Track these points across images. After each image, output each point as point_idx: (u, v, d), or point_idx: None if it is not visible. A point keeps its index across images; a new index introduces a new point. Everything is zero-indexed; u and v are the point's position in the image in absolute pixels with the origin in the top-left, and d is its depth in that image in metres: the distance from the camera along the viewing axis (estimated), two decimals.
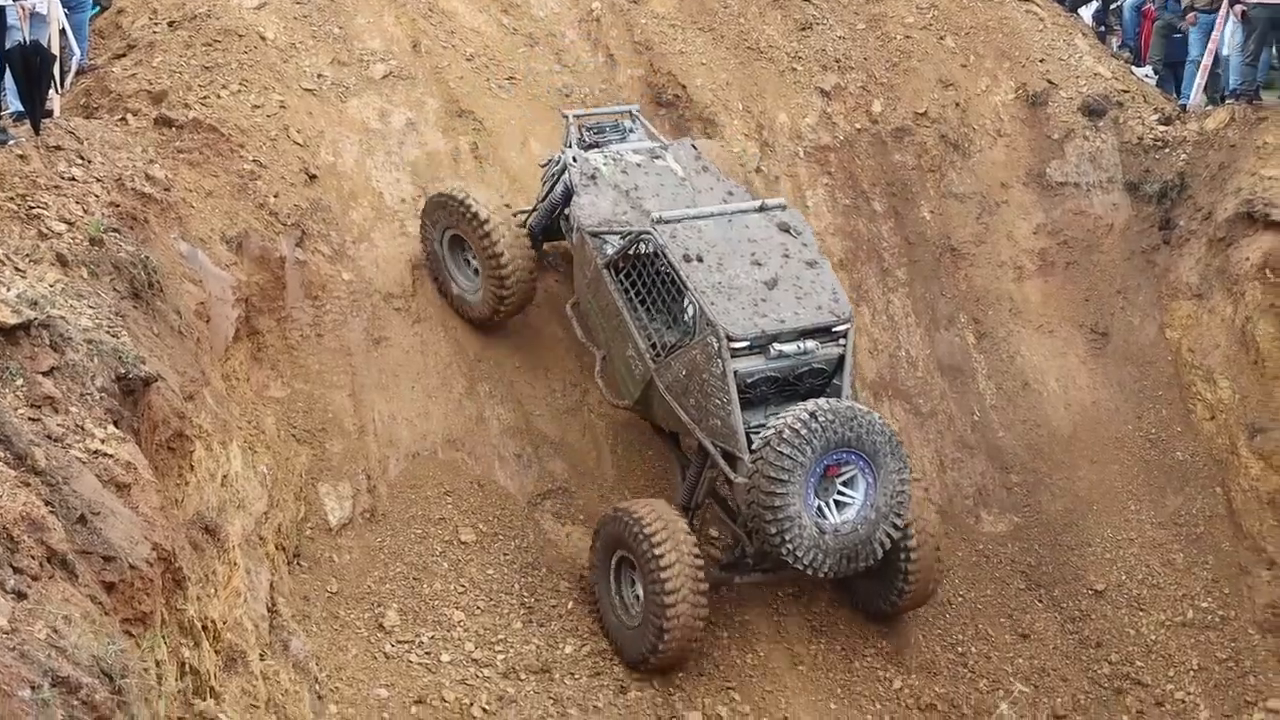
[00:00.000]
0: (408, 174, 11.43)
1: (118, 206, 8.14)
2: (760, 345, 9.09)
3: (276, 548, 9.07)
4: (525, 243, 10.57)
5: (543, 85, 12.39)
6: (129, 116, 10.48)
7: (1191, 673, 10.76)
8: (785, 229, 9.72)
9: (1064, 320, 12.28)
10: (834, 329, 9.31)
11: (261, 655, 7.41)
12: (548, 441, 10.89)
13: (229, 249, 9.93)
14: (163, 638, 5.01)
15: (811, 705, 10.06)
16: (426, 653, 9.64)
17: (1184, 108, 13.14)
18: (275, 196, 10.50)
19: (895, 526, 9.01)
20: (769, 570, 9.71)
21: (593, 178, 10.32)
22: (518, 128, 12.13)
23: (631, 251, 9.67)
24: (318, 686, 8.59)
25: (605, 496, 10.72)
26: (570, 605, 10.14)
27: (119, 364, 6.15)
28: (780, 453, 8.54)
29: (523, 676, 9.68)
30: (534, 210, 10.85)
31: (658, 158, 10.53)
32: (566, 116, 11.04)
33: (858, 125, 13.00)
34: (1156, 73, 14.08)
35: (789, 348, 9.12)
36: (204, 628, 6.10)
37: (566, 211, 10.45)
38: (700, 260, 9.26)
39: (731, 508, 9.80)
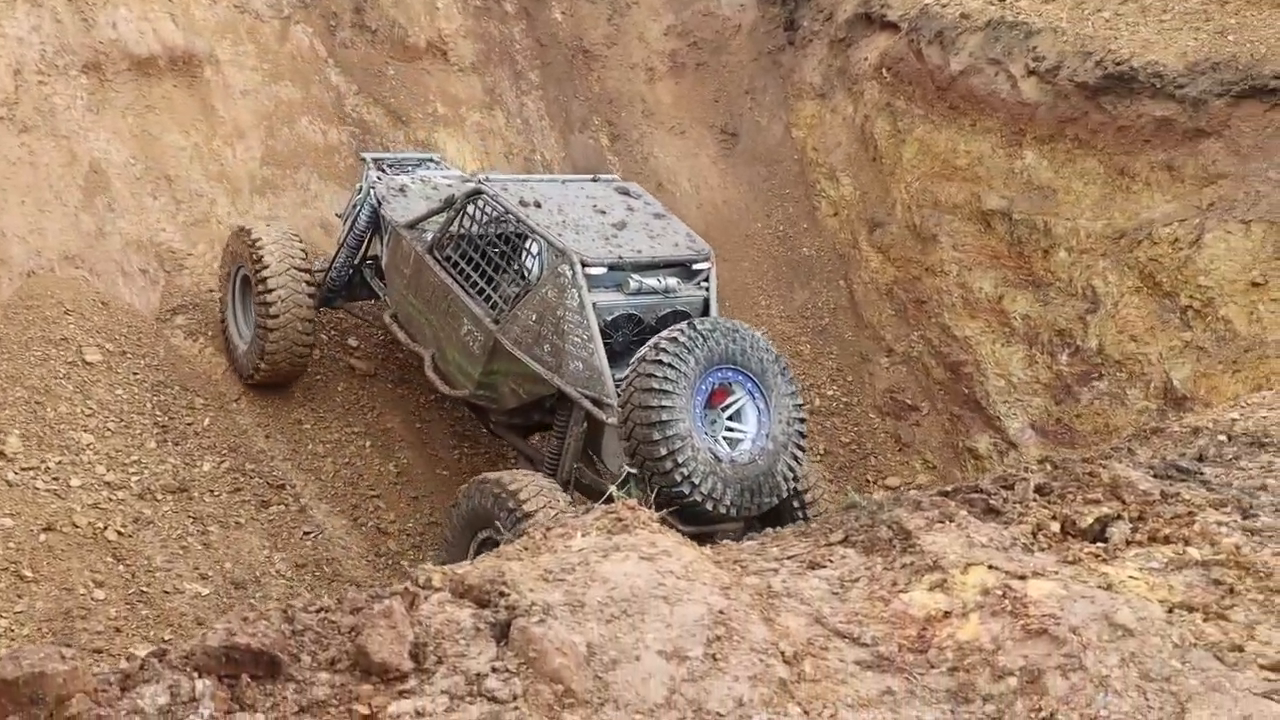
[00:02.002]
0: None
1: None
2: (617, 278, 9.73)
3: None
4: (307, 300, 11.50)
5: None
6: None
7: (819, 456, 13.57)
8: (624, 192, 10.80)
9: (695, 121, 14.71)
10: (694, 265, 10.14)
11: None
12: (174, 256, 12.46)
13: None
14: None
15: None
16: (54, 478, 10.75)
17: None
18: None
19: (796, 458, 9.26)
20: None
21: (401, 190, 11.57)
22: None
23: (455, 228, 10.61)
24: None
25: None
26: (206, 422, 11.70)
27: None
28: (659, 362, 8.78)
29: (159, 497, 11.01)
30: (331, 263, 11.94)
31: (469, 182, 11.25)
32: (365, 159, 12.25)
33: None
34: None
35: (650, 281, 9.77)
36: None
37: (370, 256, 11.65)
38: (539, 206, 10.07)
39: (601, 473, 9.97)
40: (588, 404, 9.46)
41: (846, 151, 14.59)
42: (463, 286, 10.50)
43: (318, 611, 3.52)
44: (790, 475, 9.24)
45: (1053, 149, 12.41)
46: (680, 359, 8.84)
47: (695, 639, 3.46)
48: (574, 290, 9.50)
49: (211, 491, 11.42)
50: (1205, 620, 3.75)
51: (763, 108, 15.05)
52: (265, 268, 11.41)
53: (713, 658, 3.41)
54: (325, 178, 13.70)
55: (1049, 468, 4.79)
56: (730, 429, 9.27)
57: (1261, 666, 3.53)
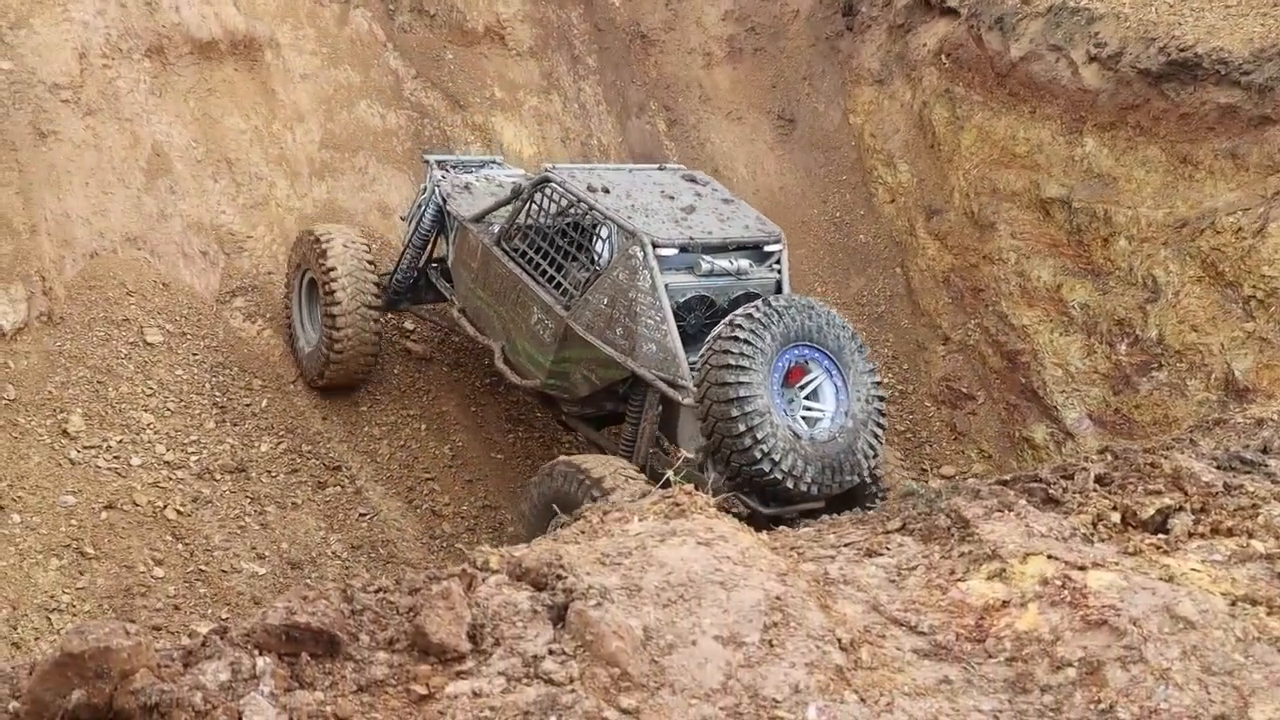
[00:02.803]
0: None
1: None
2: (688, 260, 9.66)
3: None
4: (373, 305, 11.59)
5: None
6: None
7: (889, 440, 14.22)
8: (691, 179, 10.79)
9: (752, 107, 14.71)
10: (765, 247, 10.02)
11: None
12: (233, 238, 12.59)
13: None
14: None
15: (510, 492, 12.11)
16: (115, 457, 10.90)
17: None
18: None
19: (876, 436, 9.10)
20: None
21: (466, 188, 11.62)
22: None
23: (523, 218, 10.57)
24: None
25: None
26: (264, 403, 11.85)
27: None
28: (734, 338, 8.67)
29: (218, 477, 11.16)
30: (396, 266, 12.02)
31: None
32: (428, 160, 12.26)
33: None
34: None
35: (721, 263, 9.68)
36: None
37: (435, 259, 11.76)
38: (607, 192, 10.05)
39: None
40: (663, 386, 9.31)
41: (904, 138, 14.55)
42: (532, 276, 10.42)
43: (376, 592, 3.54)
44: (871, 453, 9.08)
45: (1114, 136, 12.28)
46: (757, 335, 8.73)
47: (752, 625, 3.45)
48: (646, 272, 9.41)
49: (269, 472, 11.54)
50: (1269, 614, 3.71)
51: (820, 94, 15.03)
52: (332, 272, 11.55)
53: (769, 644, 3.40)
54: (383, 161, 13.78)
55: (1109, 458, 4.75)
56: (808, 408, 9.13)
57: None
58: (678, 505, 3.99)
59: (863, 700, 3.30)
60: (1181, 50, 11.63)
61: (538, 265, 10.44)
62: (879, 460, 9.33)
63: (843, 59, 15.06)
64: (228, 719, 2.91)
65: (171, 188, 12.44)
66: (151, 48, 12.69)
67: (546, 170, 10.53)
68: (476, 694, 3.17)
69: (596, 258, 10.02)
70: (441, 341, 12.83)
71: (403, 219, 12.56)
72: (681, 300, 9.52)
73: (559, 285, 10.19)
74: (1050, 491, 4.40)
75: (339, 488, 11.74)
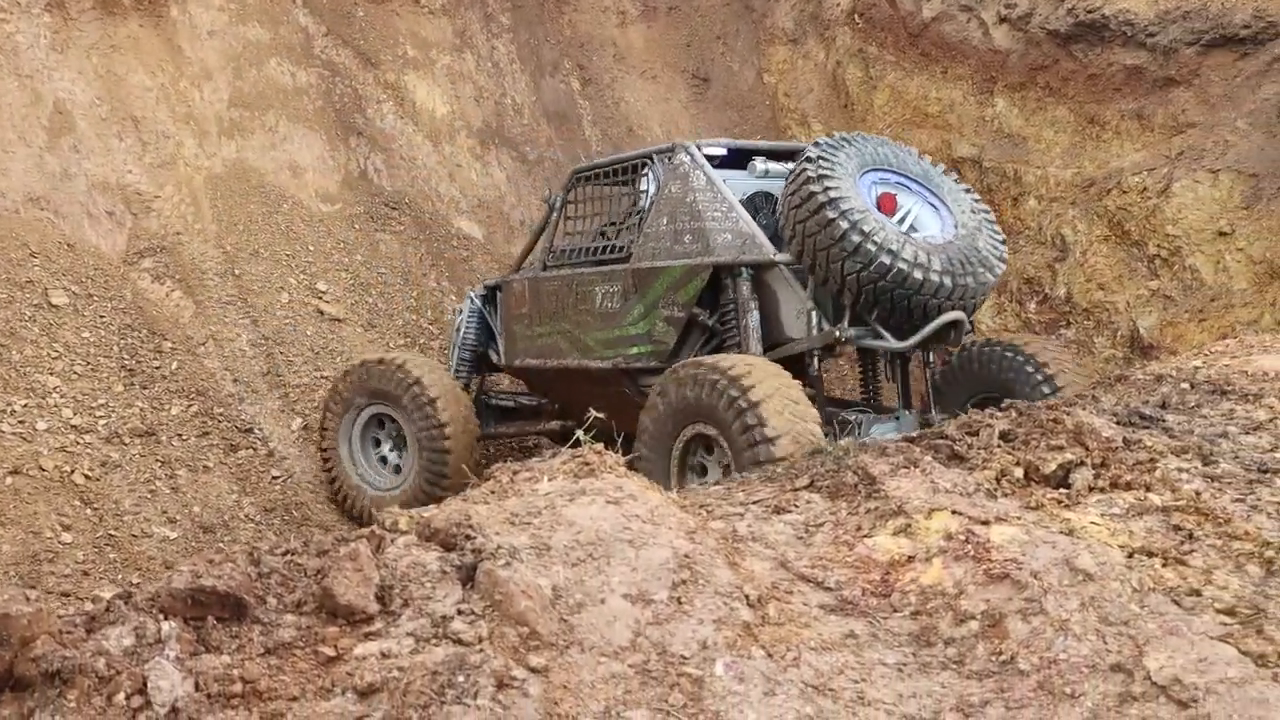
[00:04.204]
0: None
1: None
2: (739, 162, 9.20)
3: None
4: (470, 412, 10.85)
5: None
6: None
7: None
8: None
9: (666, 66, 14.73)
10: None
11: None
12: (140, 198, 12.34)
13: None
14: None
15: None
16: (20, 421, 10.69)
17: None
18: None
19: (997, 235, 8.38)
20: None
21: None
22: None
23: (560, 227, 10.38)
24: None
25: (206, 251, 12.34)
26: (174, 366, 11.69)
27: None
28: (808, 161, 8.11)
29: (127, 440, 10.99)
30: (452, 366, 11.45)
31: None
32: (470, 296, 11.67)
33: None
34: None
35: (775, 166, 9.07)
36: None
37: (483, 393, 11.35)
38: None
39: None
40: (751, 260, 8.41)
41: (818, 98, 14.63)
42: (583, 265, 9.89)
43: (284, 555, 3.53)
44: (997, 252, 8.21)
45: (1024, 97, 12.44)
46: (830, 157, 8.10)
47: (660, 582, 3.49)
48: (698, 172, 8.84)
49: (179, 435, 11.38)
50: (1164, 565, 3.80)
51: (735, 53, 15.07)
52: (428, 396, 10.79)
53: (677, 601, 3.44)
54: (294, 120, 13.62)
55: (1014, 414, 4.83)
56: (913, 229, 8.27)
57: (1218, 610, 3.58)
58: (587, 464, 4.01)
59: (769, 655, 3.35)
60: (1089, 12, 11.78)
61: (586, 251, 9.97)
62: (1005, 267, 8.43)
63: (757, 18, 15.10)
64: (132, 684, 2.90)
65: (75, 146, 12.20)
66: (52, 2, 12.42)
67: (576, 172, 10.31)
68: (385, 655, 3.18)
69: (643, 196, 9.41)
70: (355, 304, 12.71)
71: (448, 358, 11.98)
72: (743, 199, 8.85)
73: (612, 250, 9.64)
74: (956, 448, 4.48)
75: (251, 450, 11.66)
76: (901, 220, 8.21)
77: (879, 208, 8.12)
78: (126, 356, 11.64)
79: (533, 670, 3.15)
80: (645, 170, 9.38)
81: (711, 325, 8.86)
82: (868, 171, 8.23)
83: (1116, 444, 4.44)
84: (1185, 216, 10.89)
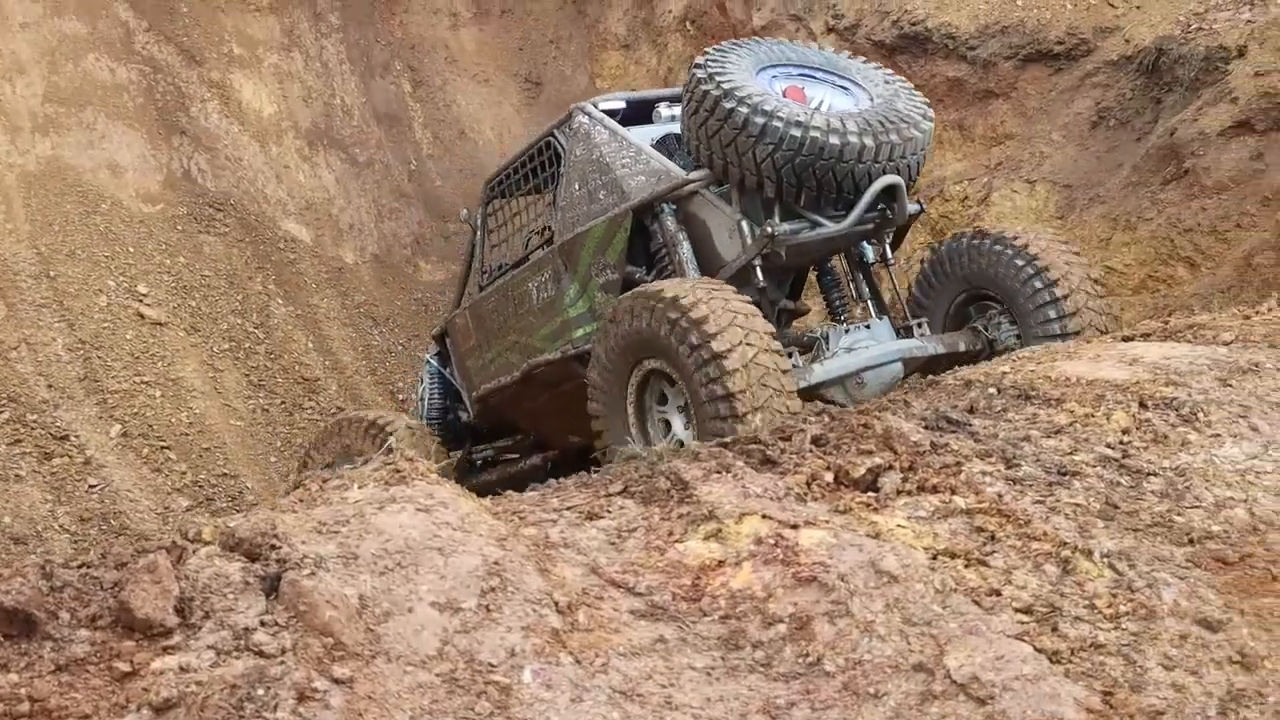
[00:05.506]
0: None
1: None
2: (642, 113, 8.68)
3: None
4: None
5: None
6: None
7: None
8: None
9: (499, 69, 14.76)
10: None
11: None
12: None
13: None
14: None
15: (249, 459, 12.17)
16: None
17: None
18: None
19: (919, 99, 7.72)
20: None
21: None
22: None
23: (482, 248, 9.71)
24: None
25: (18, 252, 12.00)
26: None
27: None
28: (698, 68, 7.49)
29: None
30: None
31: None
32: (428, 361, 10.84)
33: None
34: None
35: (678, 110, 8.16)
36: None
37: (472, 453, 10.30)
38: None
39: None
40: (666, 190, 7.72)
41: None
42: (512, 269, 9.25)
43: (79, 568, 3.45)
44: (920, 110, 7.53)
45: None
46: (720, 59, 7.44)
47: (469, 590, 3.48)
48: (598, 127, 8.24)
49: None
50: (966, 566, 3.90)
51: (567, 57, 15.17)
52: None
53: (486, 609, 3.43)
54: (113, 117, 13.30)
55: (826, 419, 4.92)
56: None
57: (1016, 610, 3.69)
58: (399, 472, 3.98)
59: (578, 662, 3.37)
60: (913, 24, 12.06)
61: (512, 256, 9.39)
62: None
63: (590, 23, 15.23)
64: None
65: None
66: None
67: (484, 184, 9.74)
68: (183, 669, 3.12)
69: (553, 179, 8.78)
70: (178, 306, 12.45)
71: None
72: (654, 143, 8.20)
73: (538, 238, 9.04)
74: (768, 453, 4.54)
75: (67, 458, 11.38)
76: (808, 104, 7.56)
77: (783, 95, 7.51)
78: None
79: (336, 681, 3.12)
80: (550, 149, 8.81)
81: (650, 280, 8.03)
82: (765, 69, 7.61)
83: (924, 448, 4.54)
84: (1004, 225, 11.20)
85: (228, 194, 13.53)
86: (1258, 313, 6.08)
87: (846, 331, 7.72)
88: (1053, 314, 7.35)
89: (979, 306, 7.96)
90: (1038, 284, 7.52)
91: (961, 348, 7.68)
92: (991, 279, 7.88)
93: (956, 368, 6.66)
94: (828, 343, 7.58)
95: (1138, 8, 11.20)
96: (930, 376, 6.40)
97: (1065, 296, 7.36)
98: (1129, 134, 10.88)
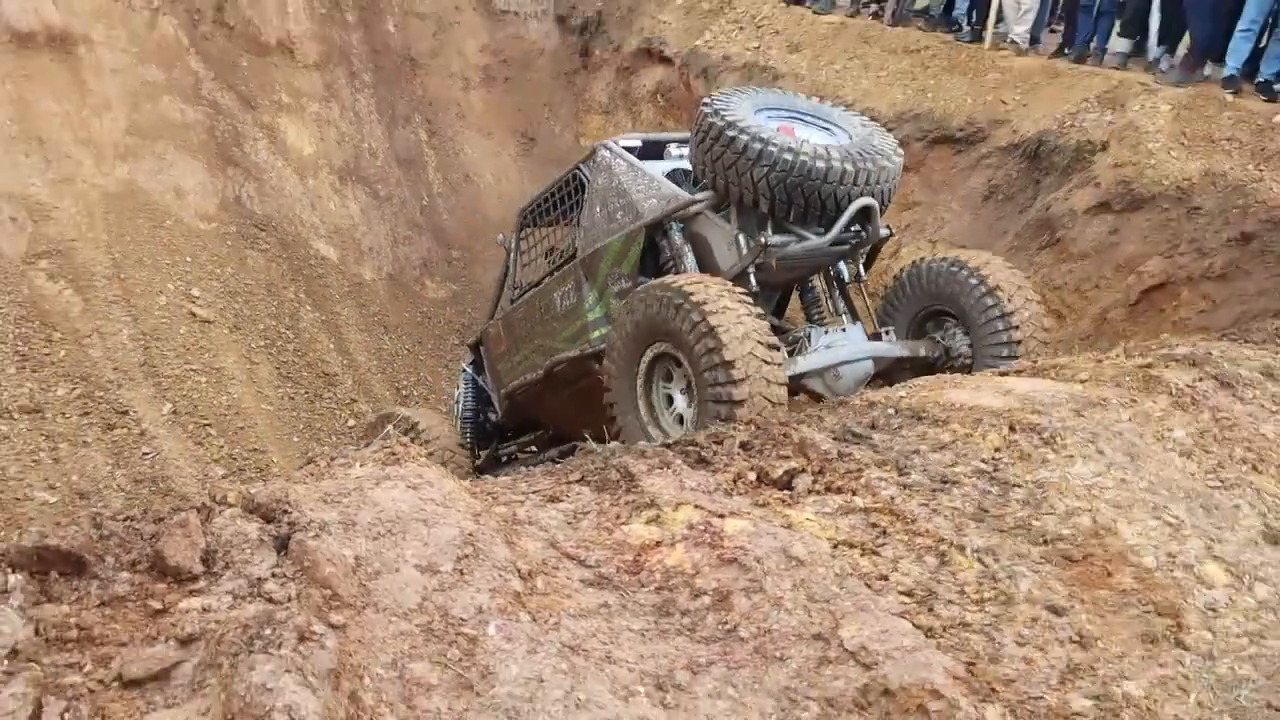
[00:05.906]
0: None
1: None
2: (655, 150, 8.37)
3: None
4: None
5: None
6: None
7: None
8: None
9: (500, 126, 14.76)
10: None
11: None
12: (41, 208, 11.87)
13: None
14: None
15: (278, 438, 12.24)
16: None
17: None
18: None
19: (890, 139, 7.49)
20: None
21: None
22: None
23: (516, 266, 9.37)
24: None
25: (96, 256, 11.85)
26: (62, 354, 11.36)
27: None
28: (707, 106, 7.29)
29: (16, 416, 10.71)
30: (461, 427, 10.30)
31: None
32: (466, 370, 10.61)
33: None
34: None
35: (686, 150, 7.99)
36: None
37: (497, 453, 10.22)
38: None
39: None
40: (674, 211, 7.55)
41: None
42: (538, 283, 8.94)
43: (124, 520, 3.39)
44: (892, 146, 7.30)
45: None
46: (724, 100, 7.31)
47: (446, 556, 3.43)
48: (619, 161, 8.00)
49: (63, 414, 11.07)
50: (861, 555, 3.88)
51: (558, 118, 15.16)
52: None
53: (460, 572, 3.39)
54: (180, 150, 13.22)
55: (753, 428, 4.89)
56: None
57: (900, 592, 3.68)
58: (394, 455, 3.93)
59: (534, 620, 3.33)
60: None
61: (539, 271, 9.03)
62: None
63: (578, 91, 15.21)
64: None
65: None
66: None
67: (520, 213, 9.32)
68: (205, 609, 3.07)
69: (578, 202, 8.50)
70: (224, 308, 12.34)
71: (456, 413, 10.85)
72: (668, 172, 8.01)
73: (564, 256, 8.65)
74: (703, 454, 4.51)
75: (126, 430, 11.31)
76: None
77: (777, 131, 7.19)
78: (20, 344, 11.33)
79: (332, 626, 3.07)
80: (577, 180, 8.56)
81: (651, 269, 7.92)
82: (761, 110, 7.47)
83: (832, 456, 4.52)
84: (962, 251, 11.21)
85: (270, 217, 13.46)
86: (1108, 358, 6.09)
87: (826, 332, 7.65)
88: (1001, 327, 7.21)
89: (937, 320, 7.80)
90: (989, 302, 7.38)
91: (923, 353, 7.59)
92: (949, 297, 7.74)
93: (914, 372, 6.74)
94: (810, 340, 7.48)
95: (1024, 105, 11.26)
96: (860, 390, 6.39)
97: (1012, 313, 7.22)
98: (1013, 207, 10.92)
